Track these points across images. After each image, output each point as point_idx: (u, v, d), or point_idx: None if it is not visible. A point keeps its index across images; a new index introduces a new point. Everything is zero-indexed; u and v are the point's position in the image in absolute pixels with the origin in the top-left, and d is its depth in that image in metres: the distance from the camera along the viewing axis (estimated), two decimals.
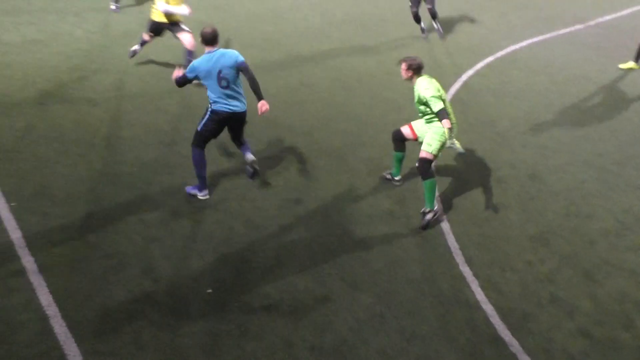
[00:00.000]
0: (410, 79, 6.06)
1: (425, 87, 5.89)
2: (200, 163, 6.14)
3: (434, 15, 10.48)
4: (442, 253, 5.72)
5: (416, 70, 6.01)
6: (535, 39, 11.05)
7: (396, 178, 6.67)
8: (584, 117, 8.34)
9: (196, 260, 5.46)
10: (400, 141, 6.49)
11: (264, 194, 6.46)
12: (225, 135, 6.33)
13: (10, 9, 11.07)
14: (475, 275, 5.46)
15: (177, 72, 6.09)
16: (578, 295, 5.31)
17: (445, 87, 8.97)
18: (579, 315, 5.10)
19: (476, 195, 6.59)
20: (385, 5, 12.49)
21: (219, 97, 5.96)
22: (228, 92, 5.95)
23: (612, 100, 8.87)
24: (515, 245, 5.88)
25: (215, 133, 6.18)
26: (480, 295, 5.25)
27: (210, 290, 5.09)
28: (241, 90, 6.08)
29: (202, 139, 6.12)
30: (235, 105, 6.03)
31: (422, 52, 10.22)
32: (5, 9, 11.01)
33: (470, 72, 9.55)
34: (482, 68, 9.76)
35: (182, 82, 6.06)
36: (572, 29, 11.66)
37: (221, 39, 10.29)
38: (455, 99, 8.63)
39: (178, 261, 5.42)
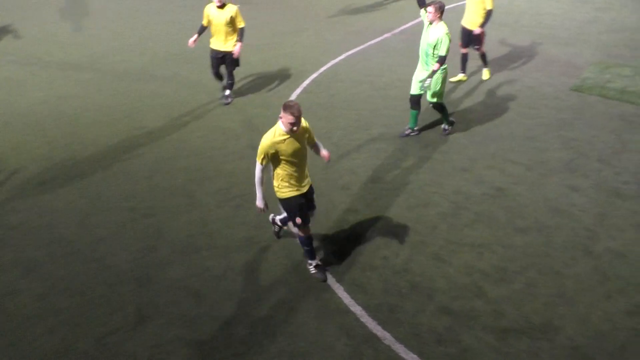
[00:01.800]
0: (437, 20, 7.49)
1: (447, 31, 7.43)
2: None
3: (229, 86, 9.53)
4: (304, 268, 5.83)
5: (442, 13, 7.45)
6: (351, 52, 11.82)
7: (415, 129, 8.31)
8: (403, 115, 9.03)
9: (45, 336, 4.97)
10: (417, 102, 8.07)
11: (113, 249, 6.09)
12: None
13: None
14: (339, 281, 5.65)
15: None
16: (433, 277, 5.73)
17: (278, 107, 9.21)
18: (438, 295, 5.50)
19: (326, 205, 6.83)
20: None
21: None
22: None
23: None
24: (370, 244, 6.19)
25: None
26: (347, 299, 5.43)
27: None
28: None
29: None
30: None
31: (252, 77, 10.43)
32: None
33: (298, 91, 9.93)
34: (309, 85, 10.19)
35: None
36: (382, 38, 12.67)
37: (34, 93, 9.63)
38: None
39: None
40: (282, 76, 10.58)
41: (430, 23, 7.55)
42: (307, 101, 9.52)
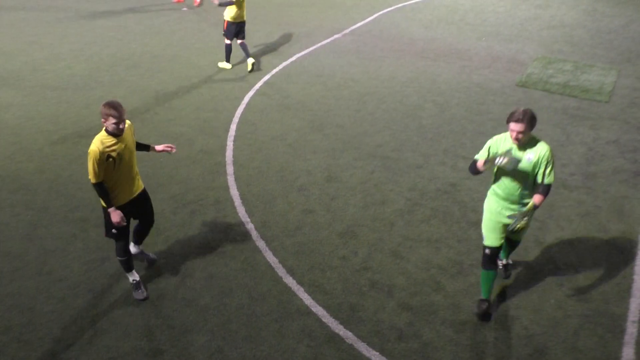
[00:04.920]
0: (529, 137, 4.75)
1: (549, 147, 4.75)
2: None
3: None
4: (264, 271, 5.78)
5: (535, 124, 4.70)
6: (302, 53, 11.82)
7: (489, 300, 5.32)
8: (357, 115, 9.14)
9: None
10: (496, 256, 5.18)
11: (64, 261, 5.87)
12: None
13: None
14: (299, 282, 5.63)
15: None
16: (391, 274, 5.78)
17: (231, 110, 9.16)
18: (397, 291, 5.56)
19: (283, 207, 6.80)
20: (153, 42, 12.27)
21: None
22: None
23: (377, 96, 9.88)
24: (328, 244, 6.19)
25: None
26: (308, 300, 5.41)
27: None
28: None
29: None
30: None
31: (202, 80, 10.28)
32: None
33: (251, 93, 9.85)
34: (262, 87, 10.13)
35: None
36: (332, 38, 12.73)
37: None
38: (242, 120, 8.83)
39: None
40: (233, 79, 10.48)
41: (522, 148, 4.78)
42: (261, 103, 9.46)
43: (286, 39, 12.68)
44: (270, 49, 12.02)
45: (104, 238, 6.22)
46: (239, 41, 10.76)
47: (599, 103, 9.65)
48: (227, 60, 10.91)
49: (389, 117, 9.07)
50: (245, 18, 10.69)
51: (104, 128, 4.90)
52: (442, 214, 6.72)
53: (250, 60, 10.78)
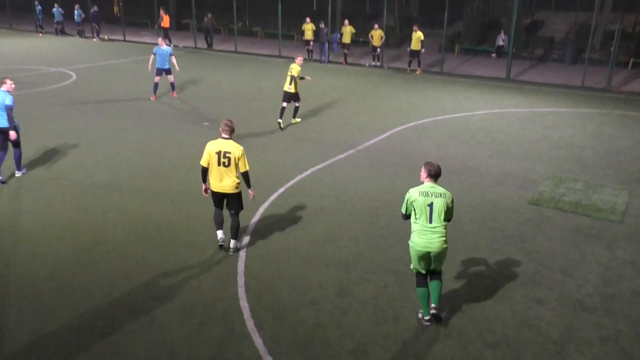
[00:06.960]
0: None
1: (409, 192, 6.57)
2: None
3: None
4: None
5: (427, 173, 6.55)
6: (317, 167, 12.14)
7: (426, 318, 6.65)
8: (370, 228, 9.17)
9: None
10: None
11: None
12: None
13: None
14: None
15: None
16: None
17: (245, 220, 9.23)
18: None
19: (293, 321, 6.63)
20: (172, 154, 12.72)
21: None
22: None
23: (390, 211, 9.97)
24: None
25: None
26: None
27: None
28: None
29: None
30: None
31: None
32: None
33: (266, 205, 10.00)
34: (276, 199, 10.30)
35: None
36: (347, 154, 13.11)
37: None
38: (256, 231, 8.88)
39: None
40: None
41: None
42: (275, 215, 9.57)
43: (302, 153, 13.09)
44: (287, 162, 12.38)
45: (107, 349, 6.06)
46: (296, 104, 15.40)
47: (612, 223, 9.62)
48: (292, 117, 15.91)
49: (402, 232, 9.07)
50: (287, 89, 14.97)
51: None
52: (457, 334, 6.49)
53: (293, 120, 15.81)
